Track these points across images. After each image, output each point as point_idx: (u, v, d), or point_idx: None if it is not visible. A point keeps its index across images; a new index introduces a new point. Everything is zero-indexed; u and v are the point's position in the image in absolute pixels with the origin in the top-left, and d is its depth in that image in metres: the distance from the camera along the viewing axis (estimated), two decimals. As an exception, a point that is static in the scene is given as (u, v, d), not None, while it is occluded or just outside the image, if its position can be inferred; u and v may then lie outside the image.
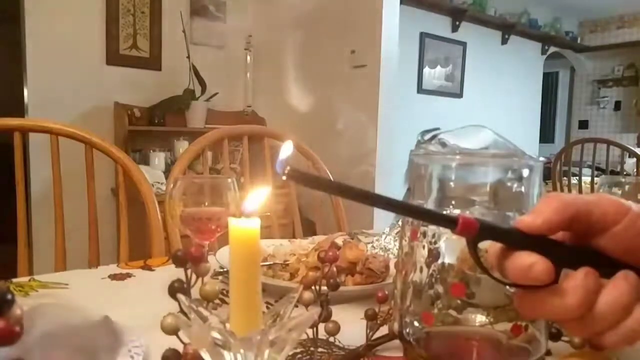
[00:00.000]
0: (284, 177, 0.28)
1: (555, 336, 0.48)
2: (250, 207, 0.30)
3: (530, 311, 0.34)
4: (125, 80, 2.99)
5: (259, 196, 0.31)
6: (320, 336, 0.47)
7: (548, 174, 3.13)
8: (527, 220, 0.33)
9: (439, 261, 0.40)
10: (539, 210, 0.33)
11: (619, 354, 0.46)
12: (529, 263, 0.31)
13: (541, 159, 0.41)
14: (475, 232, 0.31)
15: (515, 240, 0.33)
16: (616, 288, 0.32)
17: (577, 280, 0.32)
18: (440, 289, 0.40)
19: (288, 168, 0.28)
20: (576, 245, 0.34)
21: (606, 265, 0.33)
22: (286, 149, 0.29)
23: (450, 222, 0.31)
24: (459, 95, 4.85)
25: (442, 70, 4.69)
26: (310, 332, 0.46)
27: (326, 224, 1.40)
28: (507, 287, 0.35)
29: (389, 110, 3.09)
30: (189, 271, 0.36)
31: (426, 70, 4.55)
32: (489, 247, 0.34)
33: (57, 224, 1.10)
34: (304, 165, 1.44)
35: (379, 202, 0.31)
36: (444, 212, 0.33)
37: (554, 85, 7.23)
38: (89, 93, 2.87)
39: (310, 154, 1.44)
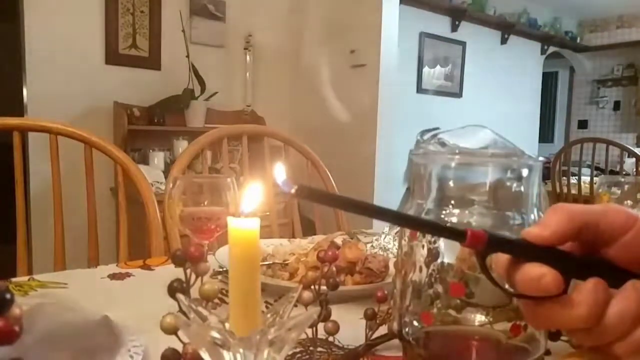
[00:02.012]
0: (293, 195, 0.28)
1: (554, 336, 0.48)
2: (247, 208, 0.30)
3: (540, 322, 0.34)
4: (125, 79, 2.99)
5: (254, 195, 0.31)
6: (319, 336, 0.47)
7: (547, 174, 3.14)
8: (535, 231, 0.33)
9: (438, 261, 0.40)
10: (547, 221, 0.33)
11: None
12: (538, 274, 0.31)
13: (540, 158, 0.41)
14: (484, 244, 0.31)
15: (524, 251, 0.33)
16: (625, 298, 0.32)
17: (586, 291, 0.32)
18: (439, 288, 0.40)
19: (296, 186, 0.28)
20: (585, 256, 0.34)
21: (615, 276, 0.33)
22: (280, 169, 0.29)
23: (459, 235, 0.31)
24: (459, 94, 4.85)
25: (442, 69, 4.69)
26: (309, 331, 0.46)
27: (325, 223, 1.40)
28: (516, 297, 0.35)
29: (389, 109, 3.10)
30: (188, 271, 0.36)
31: (425, 69, 4.55)
32: (497, 258, 0.34)
33: (56, 223, 1.10)
34: (303, 165, 1.44)
35: (388, 217, 0.31)
36: (453, 226, 0.33)
37: (553, 85, 7.24)
38: (88, 92, 2.87)
39: (309, 153, 1.44)
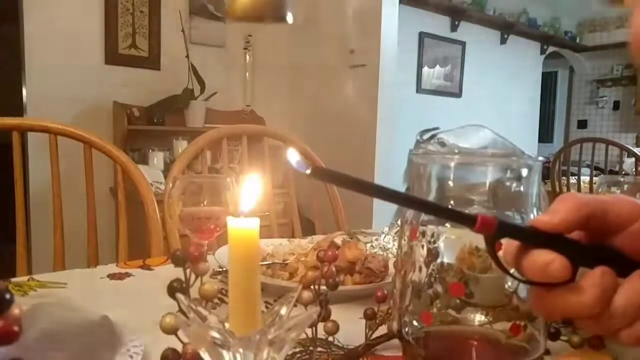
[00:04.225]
0: (308, 174, 0.28)
1: (554, 336, 0.48)
2: (247, 207, 0.30)
3: (547, 309, 0.34)
4: (124, 79, 2.99)
5: (253, 193, 0.31)
6: (319, 336, 0.47)
7: (547, 174, 3.13)
8: (544, 218, 0.33)
9: (438, 260, 0.40)
10: (556, 209, 0.33)
11: (618, 353, 0.46)
12: (546, 261, 0.31)
13: (540, 158, 0.41)
14: (494, 230, 0.32)
15: (533, 238, 0.33)
16: (632, 287, 0.32)
17: (593, 279, 0.32)
18: (439, 288, 0.40)
19: (311, 167, 0.28)
20: (593, 244, 0.34)
21: (623, 265, 0.33)
22: (293, 153, 0.29)
23: (469, 220, 0.32)
24: (458, 94, 4.85)
25: (441, 69, 4.68)
26: (309, 331, 0.46)
27: (325, 223, 1.40)
28: (524, 284, 0.35)
29: (388, 109, 3.10)
30: (188, 270, 0.36)
31: (425, 69, 4.55)
32: (505, 245, 0.34)
33: (55, 223, 1.10)
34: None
35: (400, 200, 0.31)
36: (464, 211, 0.34)
37: (552, 84, 7.24)
38: (87, 92, 2.87)
39: (309, 153, 1.44)
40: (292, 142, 1.45)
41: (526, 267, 0.32)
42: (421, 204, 0.36)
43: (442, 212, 0.35)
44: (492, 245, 0.33)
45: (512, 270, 0.34)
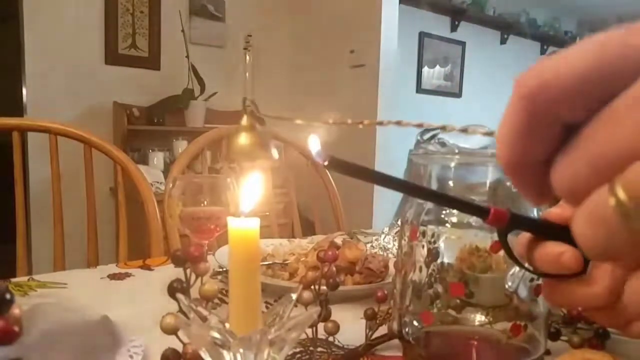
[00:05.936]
0: (325, 165, 0.28)
1: (554, 335, 0.48)
2: (247, 207, 0.30)
3: (559, 300, 0.34)
4: (124, 79, 2.98)
5: (253, 193, 0.31)
6: (319, 336, 0.47)
7: (547, 174, 3.14)
8: (557, 211, 0.33)
9: (438, 261, 0.40)
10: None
11: (619, 353, 0.46)
12: (559, 252, 0.32)
13: (540, 158, 0.41)
14: (506, 222, 0.32)
15: (545, 230, 0.33)
16: None
17: (605, 270, 0.32)
18: (439, 288, 0.40)
19: (329, 157, 0.28)
20: None
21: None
22: (314, 141, 0.29)
23: (481, 212, 0.32)
24: (458, 94, 4.85)
25: (441, 69, 4.69)
26: (309, 331, 0.46)
27: (325, 223, 1.40)
28: (536, 276, 0.35)
29: (388, 109, 3.09)
30: (188, 271, 0.36)
31: (425, 69, 4.55)
32: (518, 237, 0.34)
33: (55, 223, 1.10)
34: (303, 165, 1.44)
35: (417, 192, 0.32)
36: (477, 203, 0.34)
37: (553, 84, 7.24)
38: (87, 92, 2.87)
39: (309, 153, 1.44)
40: (292, 142, 1.45)
41: (538, 258, 0.33)
42: (438, 197, 0.37)
43: (456, 204, 0.36)
44: (505, 237, 0.33)
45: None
